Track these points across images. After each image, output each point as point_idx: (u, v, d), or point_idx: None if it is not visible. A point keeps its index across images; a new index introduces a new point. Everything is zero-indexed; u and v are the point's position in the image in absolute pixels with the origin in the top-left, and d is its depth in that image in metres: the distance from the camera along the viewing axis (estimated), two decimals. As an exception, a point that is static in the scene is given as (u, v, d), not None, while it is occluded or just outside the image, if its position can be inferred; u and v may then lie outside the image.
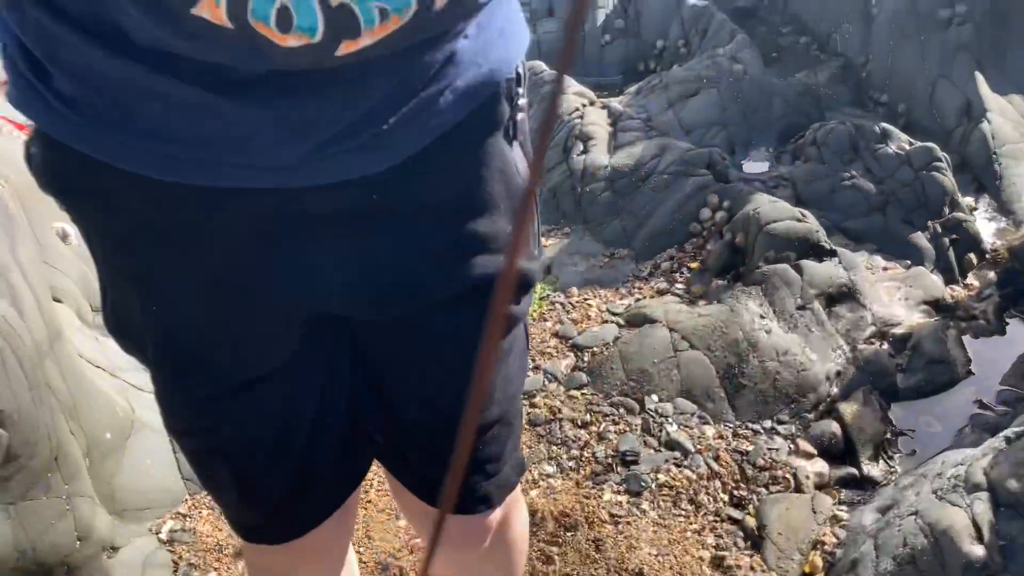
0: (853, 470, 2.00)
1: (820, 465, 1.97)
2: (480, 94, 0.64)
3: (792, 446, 2.02)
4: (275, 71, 0.55)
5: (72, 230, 2.39)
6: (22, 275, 1.67)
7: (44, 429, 1.52)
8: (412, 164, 0.62)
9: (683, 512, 1.81)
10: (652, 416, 2.05)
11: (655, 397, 2.09)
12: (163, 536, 1.74)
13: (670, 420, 2.04)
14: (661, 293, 2.52)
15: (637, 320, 2.29)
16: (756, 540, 1.77)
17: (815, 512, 1.83)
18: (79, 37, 0.55)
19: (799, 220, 2.47)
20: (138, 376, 2.07)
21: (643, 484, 1.86)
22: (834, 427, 2.06)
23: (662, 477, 1.88)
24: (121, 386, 1.97)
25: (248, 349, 0.71)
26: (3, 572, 1.47)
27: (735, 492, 1.88)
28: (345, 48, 0.55)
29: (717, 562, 1.70)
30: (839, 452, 2.04)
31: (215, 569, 1.69)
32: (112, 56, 0.55)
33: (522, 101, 0.70)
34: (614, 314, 2.39)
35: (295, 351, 0.72)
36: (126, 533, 1.69)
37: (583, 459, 1.92)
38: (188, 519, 1.79)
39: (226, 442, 0.77)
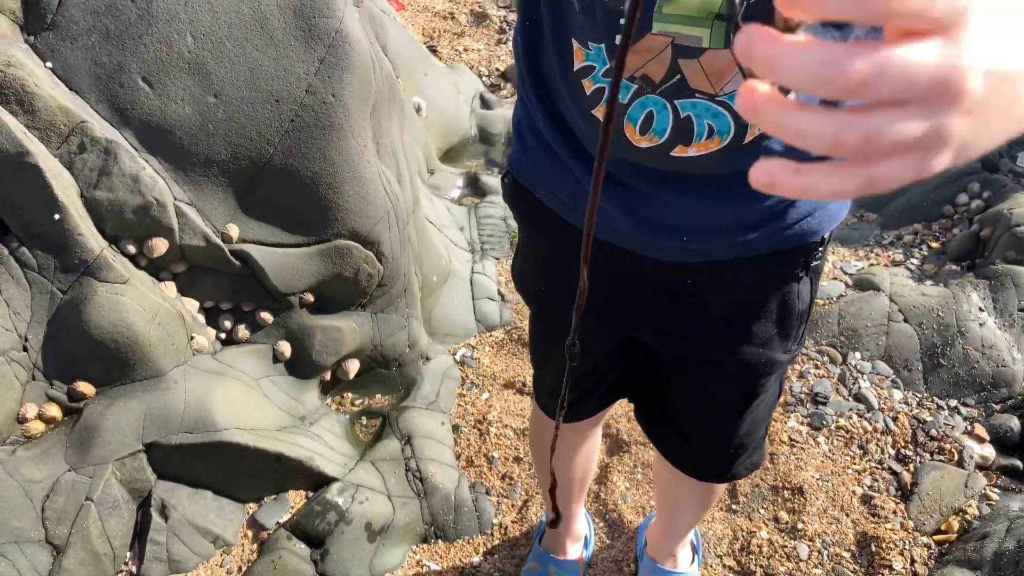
0: (1019, 463, 2.26)
1: (988, 450, 2.25)
2: (783, 245, 0.93)
3: (969, 427, 2.30)
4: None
5: (424, 103, 3.02)
6: (404, 155, 2.30)
7: (402, 269, 2.17)
8: (722, 268, 0.98)
9: (851, 454, 2.20)
10: (850, 370, 2.40)
11: (858, 355, 2.43)
12: (457, 358, 2.40)
13: (865, 377, 2.39)
14: (895, 263, 2.77)
15: (864, 284, 2.60)
16: (907, 493, 2.13)
17: (967, 487, 2.15)
18: (544, 117, 1.02)
19: (1052, 227, 2.59)
20: (454, 233, 2.70)
21: (824, 422, 2.26)
22: (1014, 422, 2.31)
23: (842, 421, 2.26)
24: (444, 240, 2.61)
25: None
26: (364, 353, 2.18)
27: (902, 451, 2.23)
28: (678, 151, 0.85)
29: (866, 499, 2.09)
30: (1012, 445, 2.29)
31: (488, 390, 2.32)
32: (551, 128, 1.01)
33: (817, 262, 0.99)
34: (846, 273, 2.70)
35: (611, 341, 1.21)
36: (435, 350, 2.36)
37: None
38: (475, 350, 2.43)
39: (550, 351, 1.30)
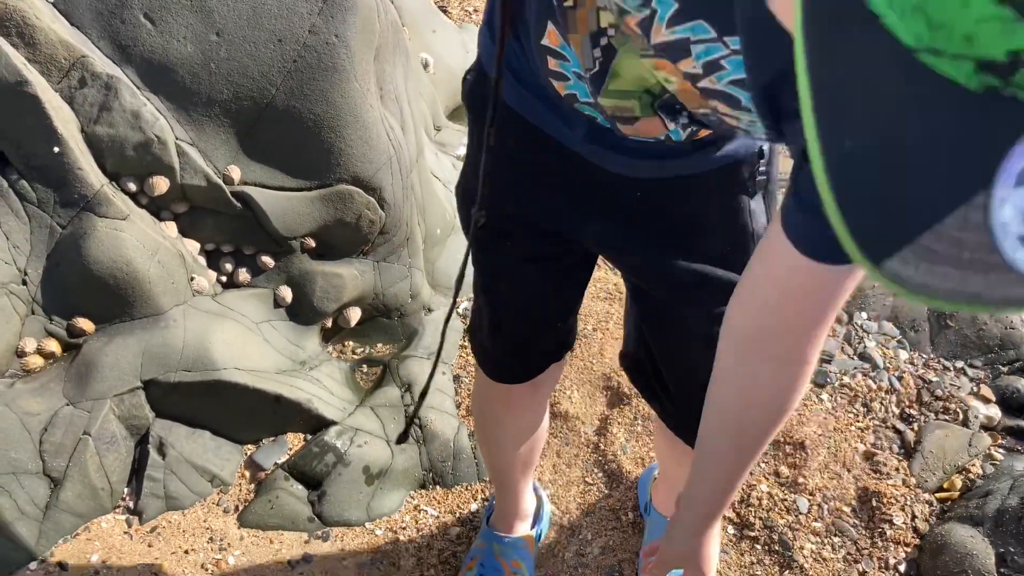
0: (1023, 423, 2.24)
1: (993, 410, 2.23)
2: (722, 161, 1.02)
3: (975, 388, 2.28)
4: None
5: (432, 60, 3.00)
6: (408, 102, 2.28)
7: (405, 217, 2.16)
8: (671, 184, 1.04)
9: (854, 411, 2.19)
10: (856, 329, 2.38)
11: (864, 315, 2.41)
12: (460, 311, 2.39)
13: (871, 337, 2.36)
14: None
15: (872, 245, 2.57)
16: (910, 451, 2.11)
17: (971, 446, 2.13)
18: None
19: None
20: (460, 189, 2.68)
21: (828, 380, 2.24)
22: (1021, 384, 2.28)
23: (847, 379, 2.24)
24: (448, 195, 2.60)
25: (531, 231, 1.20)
26: (365, 302, 2.17)
27: (907, 410, 2.21)
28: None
29: (868, 456, 2.08)
30: (1018, 406, 2.27)
31: (490, 344, 2.31)
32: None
33: (763, 168, 1.06)
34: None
35: (554, 256, 1.20)
36: (437, 302, 2.35)
37: (785, 346, 2.32)
38: (477, 304, 2.42)
39: (499, 298, 1.29)
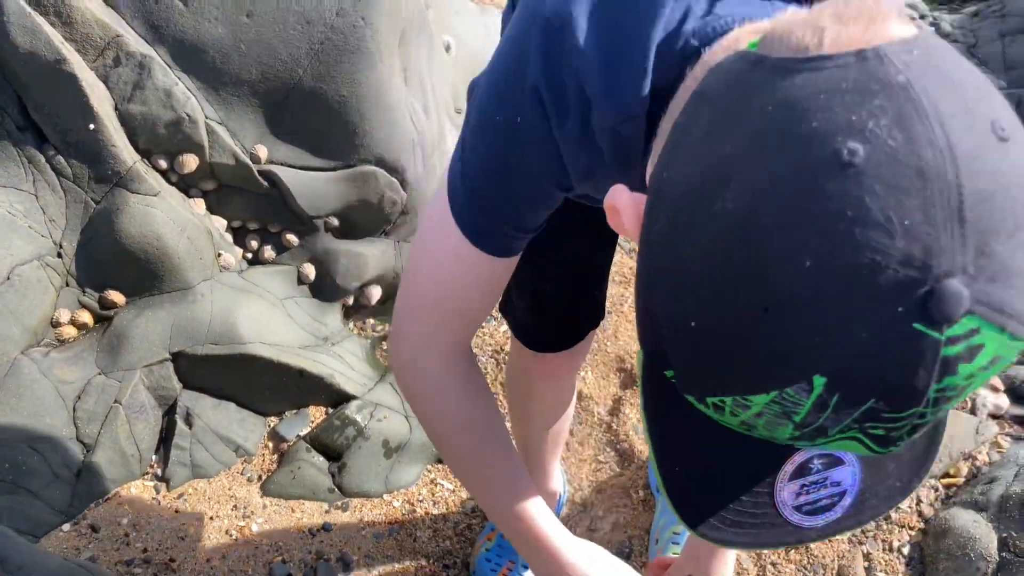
0: (1032, 414, 2.27)
1: (1002, 399, 2.26)
2: None
3: (984, 378, 2.31)
4: None
5: (454, 42, 3.03)
6: (431, 83, 2.32)
7: (426, 198, 2.20)
8: None
9: (864, 397, 2.22)
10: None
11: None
12: (477, 291, 2.44)
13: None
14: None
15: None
16: (917, 437, 2.15)
17: (978, 433, 2.17)
18: None
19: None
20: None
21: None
22: (1030, 374, 2.31)
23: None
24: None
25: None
26: (386, 281, 2.22)
27: (916, 397, 2.24)
28: None
29: (876, 441, 2.12)
30: (1026, 396, 2.30)
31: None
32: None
33: None
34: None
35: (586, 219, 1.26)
36: (456, 282, 2.40)
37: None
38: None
39: (542, 270, 1.33)
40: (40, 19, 1.69)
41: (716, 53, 0.60)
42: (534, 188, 0.83)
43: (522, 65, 0.76)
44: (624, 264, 2.49)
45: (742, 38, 0.58)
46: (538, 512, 0.94)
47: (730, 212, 0.48)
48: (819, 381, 0.46)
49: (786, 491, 0.59)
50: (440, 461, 2.01)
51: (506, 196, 0.84)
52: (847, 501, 0.61)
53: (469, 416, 0.96)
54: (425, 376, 0.94)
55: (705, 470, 0.60)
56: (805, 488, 0.60)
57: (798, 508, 0.60)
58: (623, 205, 0.64)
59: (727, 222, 0.48)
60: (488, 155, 0.83)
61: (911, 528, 1.95)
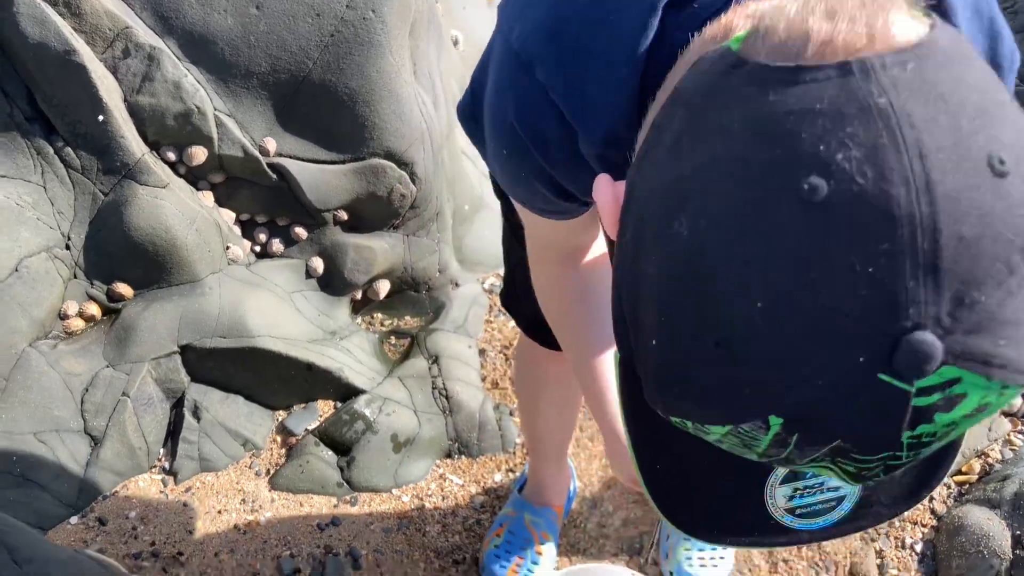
0: (1045, 411, 2.25)
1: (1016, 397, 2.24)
2: None
3: (996, 375, 2.30)
4: None
5: (462, 37, 3.02)
6: (440, 78, 2.31)
7: (435, 192, 2.19)
8: None
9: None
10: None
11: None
12: (486, 287, 2.42)
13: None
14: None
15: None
16: (929, 434, 2.13)
17: (991, 430, 2.15)
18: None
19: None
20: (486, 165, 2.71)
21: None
22: (1043, 372, 2.29)
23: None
24: (476, 172, 2.63)
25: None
26: (395, 275, 2.21)
27: (927, 394, 2.23)
28: None
29: (888, 438, 2.10)
30: (1039, 393, 2.28)
31: (515, 320, 2.34)
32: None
33: None
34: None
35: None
36: (465, 278, 2.38)
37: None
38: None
39: None
40: (49, 10, 1.68)
41: (705, 41, 0.54)
42: (549, 200, 0.85)
43: (501, 100, 0.76)
44: (633, 260, 2.48)
45: (735, 25, 0.52)
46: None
47: (684, 238, 0.45)
48: (775, 421, 0.43)
49: (778, 493, 0.57)
50: (449, 456, 2.00)
51: (532, 201, 0.88)
52: (846, 506, 0.59)
53: (581, 293, 1.07)
54: (549, 274, 1.08)
55: (689, 469, 0.58)
56: (799, 492, 0.58)
57: (791, 511, 0.58)
58: (603, 202, 0.60)
59: (680, 248, 0.45)
60: (503, 172, 0.86)
61: (924, 525, 1.93)
